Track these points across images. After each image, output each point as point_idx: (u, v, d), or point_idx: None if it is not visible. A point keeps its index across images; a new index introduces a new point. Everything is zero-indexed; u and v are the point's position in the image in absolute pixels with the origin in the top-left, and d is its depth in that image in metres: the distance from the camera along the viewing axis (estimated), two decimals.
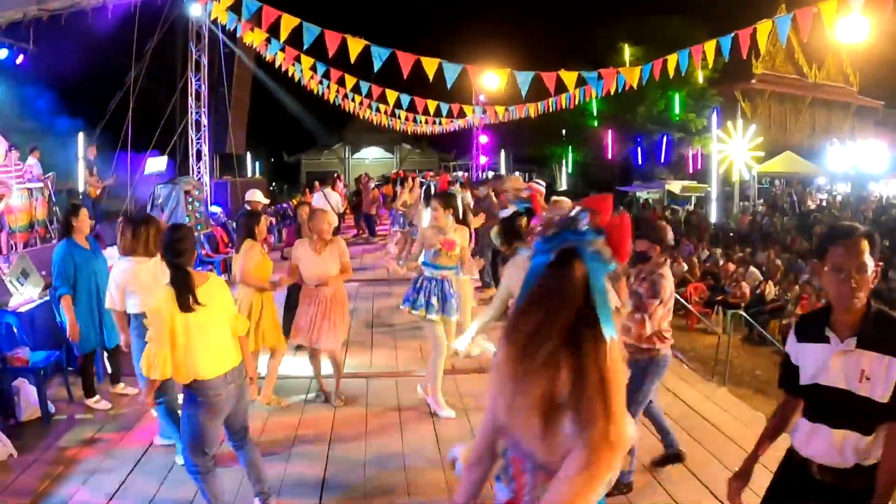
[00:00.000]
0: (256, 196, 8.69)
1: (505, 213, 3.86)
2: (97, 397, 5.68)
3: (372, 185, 17.48)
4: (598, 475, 1.37)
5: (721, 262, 15.83)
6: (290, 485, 4.38)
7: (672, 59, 8.40)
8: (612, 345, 1.41)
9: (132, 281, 4.70)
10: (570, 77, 9.73)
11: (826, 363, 2.44)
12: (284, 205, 22.00)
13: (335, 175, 20.00)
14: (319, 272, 5.47)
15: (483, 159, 33.51)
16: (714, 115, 27.21)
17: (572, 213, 1.44)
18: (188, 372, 3.49)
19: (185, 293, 3.45)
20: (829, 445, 2.44)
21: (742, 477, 2.78)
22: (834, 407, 2.43)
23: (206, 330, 3.52)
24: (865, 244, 2.36)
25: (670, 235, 4.30)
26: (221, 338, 3.61)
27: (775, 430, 2.75)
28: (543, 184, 7.65)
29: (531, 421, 1.50)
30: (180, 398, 3.76)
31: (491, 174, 23.92)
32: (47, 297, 6.37)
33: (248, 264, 5.28)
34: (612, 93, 10.57)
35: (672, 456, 4.60)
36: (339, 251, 5.57)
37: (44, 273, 6.58)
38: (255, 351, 5.15)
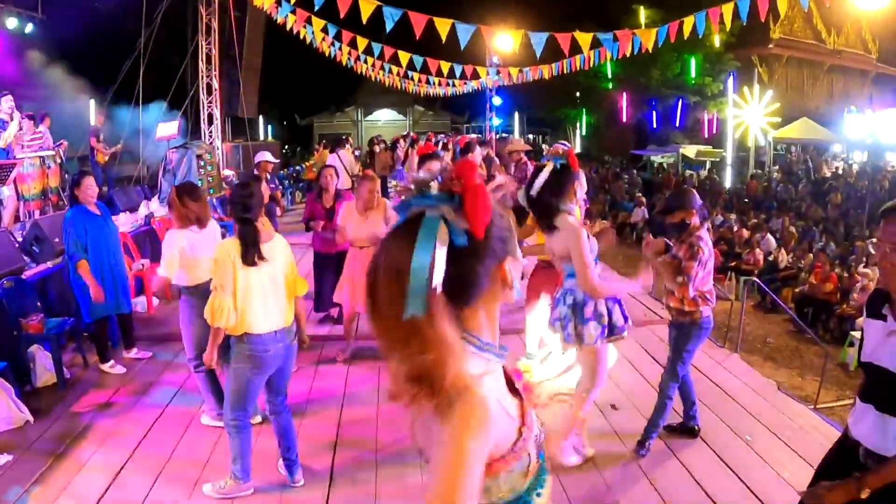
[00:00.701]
0: (266, 157, 8.57)
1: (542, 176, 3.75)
2: (111, 362, 5.74)
3: (378, 149, 17.35)
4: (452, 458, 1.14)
5: (735, 228, 15.72)
6: (303, 444, 4.43)
7: (688, 22, 8.21)
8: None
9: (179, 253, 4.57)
10: (585, 38, 9.57)
11: (881, 341, 2.35)
12: (297, 167, 22.02)
13: (345, 137, 19.88)
14: (364, 234, 5.61)
15: (497, 122, 33.19)
16: (730, 80, 26.75)
17: (425, 176, 1.21)
18: (241, 324, 3.58)
19: (249, 248, 3.53)
20: (874, 428, 2.35)
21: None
22: (883, 388, 2.33)
23: (264, 286, 3.60)
24: None
25: (697, 197, 4.32)
26: (278, 296, 3.67)
27: None
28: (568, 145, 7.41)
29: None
30: None
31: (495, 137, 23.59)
32: (61, 264, 6.42)
33: None
34: (627, 55, 10.38)
35: (687, 429, 4.64)
36: (385, 216, 5.68)
37: (57, 240, 6.61)
38: None
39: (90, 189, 5.57)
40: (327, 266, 6.59)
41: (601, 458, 4.25)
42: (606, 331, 3.79)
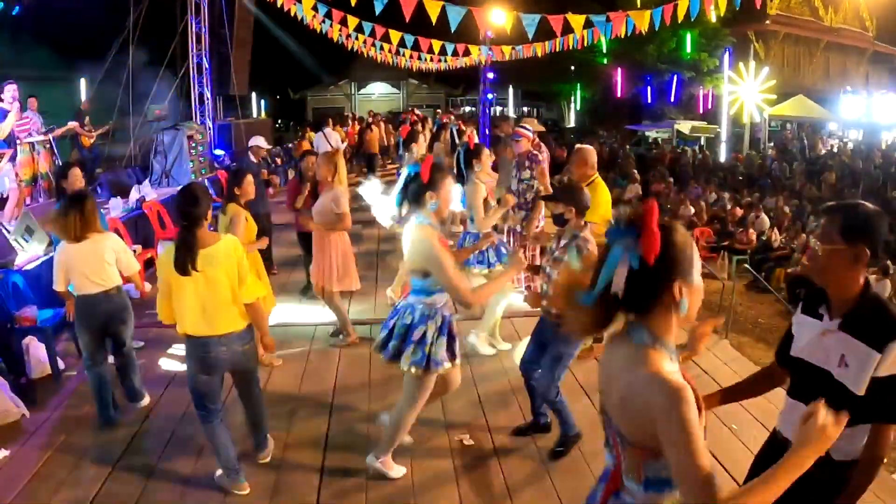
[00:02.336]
0: (258, 142, 8.56)
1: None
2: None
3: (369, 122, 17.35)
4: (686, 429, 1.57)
5: (729, 207, 15.72)
6: (294, 437, 4.51)
7: (683, 5, 8.14)
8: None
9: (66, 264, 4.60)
10: (577, 20, 9.49)
11: (815, 339, 2.38)
12: (290, 145, 21.85)
13: (340, 114, 19.80)
14: (315, 211, 5.81)
15: (491, 96, 32.97)
16: (726, 56, 26.58)
17: (621, 214, 1.76)
18: (181, 325, 3.68)
19: (182, 257, 3.51)
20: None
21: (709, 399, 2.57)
22: (813, 386, 2.33)
23: (200, 291, 3.59)
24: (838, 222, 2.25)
25: (585, 197, 4.07)
26: (218, 301, 3.63)
27: (750, 385, 2.74)
28: (531, 129, 7.22)
29: (612, 399, 1.79)
30: None
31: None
32: (53, 254, 6.40)
33: (238, 233, 5.07)
34: (620, 36, 10.31)
35: (540, 426, 4.59)
36: (332, 198, 5.75)
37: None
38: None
39: (77, 181, 5.55)
40: (307, 245, 6.75)
41: (589, 452, 4.29)
42: (425, 361, 3.61)
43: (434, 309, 3.61)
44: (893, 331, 2.20)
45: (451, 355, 3.69)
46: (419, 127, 13.77)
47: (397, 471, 4.00)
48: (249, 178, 5.40)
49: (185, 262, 3.50)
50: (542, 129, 9.05)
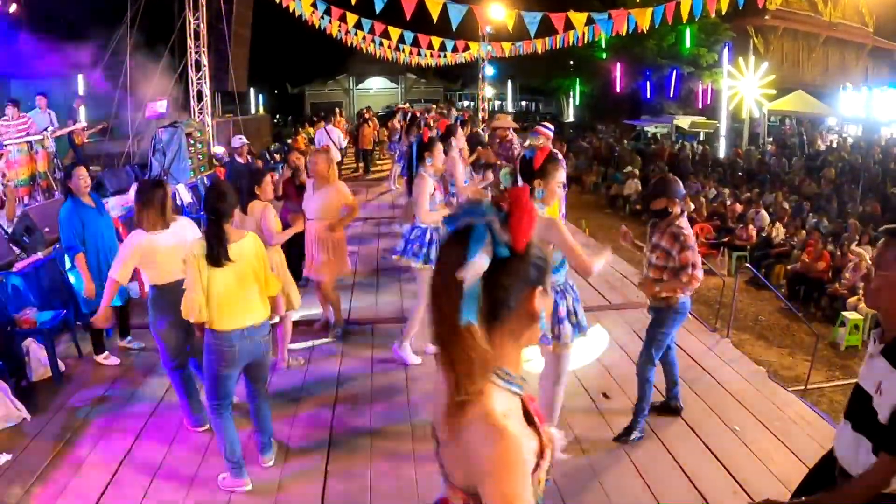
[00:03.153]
0: (237, 143, 8.66)
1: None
2: (106, 353, 5.75)
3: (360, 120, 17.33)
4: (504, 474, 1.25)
5: (728, 203, 15.70)
6: (298, 434, 4.53)
7: (685, 3, 8.12)
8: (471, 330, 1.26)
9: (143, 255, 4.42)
10: (579, 19, 9.46)
11: (866, 361, 2.35)
12: (289, 140, 21.81)
13: (335, 111, 19.76)
14: (312, 207, 5.85)
15: (490, 91, 32.95)
16: (725, 51, 26.54)
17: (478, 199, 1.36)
18: (210, 320, 3.72)
19: (215, 249, 3.61)
20: (847, 446, 2.34)
21: None
22: (857, 408, 2.32)
23: (230, 285, 3.68)
24: None
25: (681, 187, 4.35)
26: (247, 294, 3.76)
27: None
28: (552, 127, 7.34)
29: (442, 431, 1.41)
30: None
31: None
32: (52, 254, 6.39)
33: (272, 226, 5.09)
34: (622, 33, 10.29)
35: (671, 408, 4.74)
36: (335, 192, 5.83)
37: (47, 229, 6.57)
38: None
39: (82, 180, 5.50)
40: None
41: (590, 447, 4.32)
42: (577, 329, 3.88)
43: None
44: None
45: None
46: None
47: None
48: (269, 178, 5.41)
49: (218, 253, 3.61)
50: (515, 125, 9.04)
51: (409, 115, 18.13)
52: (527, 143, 6.89)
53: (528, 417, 1.41)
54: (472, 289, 1.23)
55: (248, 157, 8.94)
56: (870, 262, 2.36)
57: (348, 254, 6.25)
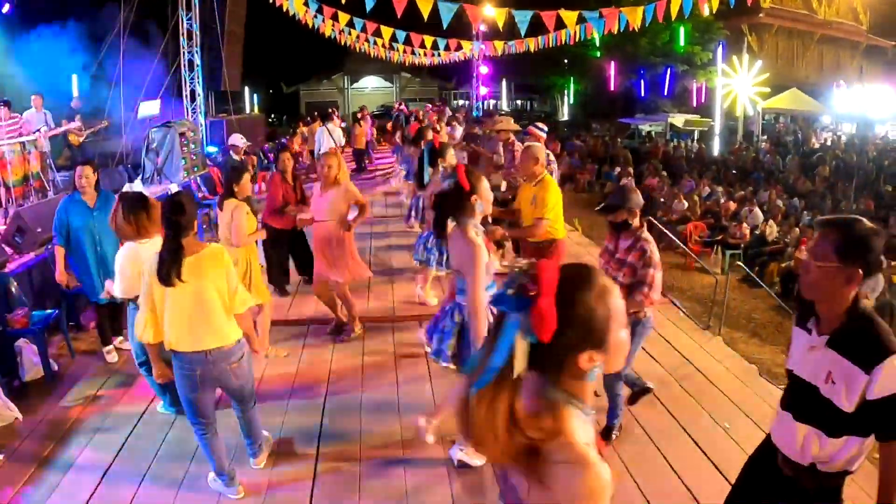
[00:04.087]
0: (235, 140, 8.67)
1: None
2: (110, 347, 5.77)
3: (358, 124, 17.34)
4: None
5: (722, 201, 15.72)
6: (288, 434, 4.52)
7: (676, 2, 8.15)
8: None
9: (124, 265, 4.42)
10: (570, 16, 9.47)
11: (804, 353, 2.39)
12: (283, 140, 21.76)
13: (333, 110, 19.71)
14: (321, 209, 5.77)
15: (484, 90, 32.94)
16: (719, 49, 26.59)
17: (516, 276, 1.41)
18: (167, 340, 3.53)
19: (166, 267, 3.38)
20: (790, 436, 2.41)
21: None
22: (800, 399, 2.38)
23: (186, 304, 3.45)
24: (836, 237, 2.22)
25: (640, 197, 4.16)
26: (206, 314, 3.49)
27: None
28: (545, 128, 7.33)
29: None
30: None
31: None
32: (44, 255, 6.39)
33: (241, 225, 5.20)
34: (613, 32, 10.31)
35: (642, 390, 4.66)
36: (347, 194, 5.76)
37: (40, 230, 6.56)
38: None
39: (81, 178, 5.56)
40: (281, 242, 7.03)
41: None
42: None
43: None
44: (881, 353, 2.17)
45: None
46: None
47: (479, 459, 4.02)
48: (247, 175, 5.45)
49: (169, 271, 3.36)
50: (517, 127, 8.88)
51: (396, 115, 18.20)
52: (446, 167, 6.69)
53: None
54: (492, 368, 1.37)
55: (243, 157, 8.95)
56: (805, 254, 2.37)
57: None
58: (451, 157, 5.77)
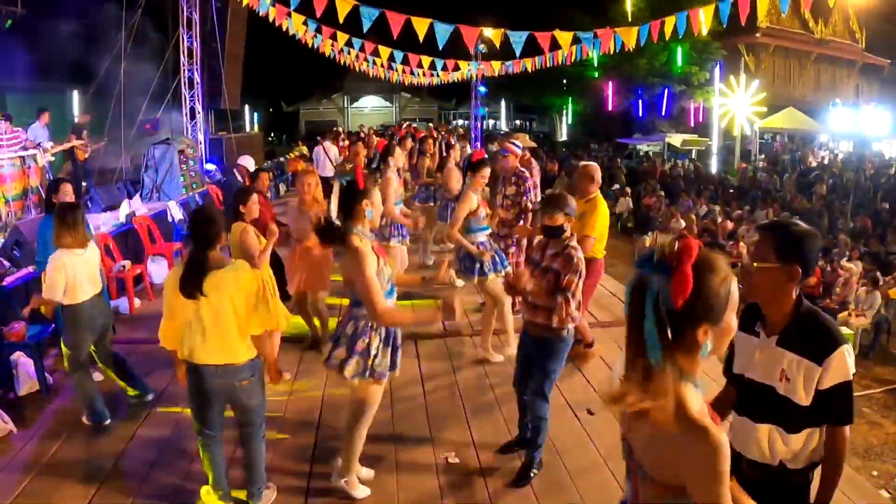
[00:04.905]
0: (246, 161, 8.70)
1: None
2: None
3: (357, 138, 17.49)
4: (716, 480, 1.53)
5: (719, 220, 15.79)
6: (280, 453, 4.49)
7: (669, 23, 8.25)
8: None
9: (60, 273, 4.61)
10: (565, 37, 9.57)
11: (752, 356, 2.47)
12: (282, 159, 21.88)
13: (335, 129, 19.88)
14: (301, 227, 5.88)
15: (483, 110, 33.14)
16: (717, 69, 26.81)
17: (659, 248, 1.64)
18: (182, 350, 3.54)
19: (189, 279, 3.39)
20: (752, 440, 2.46)
21: None
22: (757, 401, 2.45)
23: (202, 317, 3.45)
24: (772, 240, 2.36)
25: (575, 205, 4.11)
26: (221, 330, 3.47)
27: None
28: (521, 145, 7.34)
29: (641, 433, 1.71)
30: None
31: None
32: (42, 269, 6.40)
33: (254, 248, 5.11)
34: (609, 52, 10.41)
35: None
36: (322, 213, 5.79)
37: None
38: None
39: (67, 196, 5.56)
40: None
41: (574, 470, 4.31)
42: (368, 372, 3.66)
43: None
44: (829, 344, 2.31)
45: (393, 367, 3.77)
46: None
47: (361, 491, 3.97)
48: (255, 196, 5.40)
49: (192, 285, 3.37)
50: (534, 145, 8.86)
51: (391, 135, 18.38)
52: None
53: None
54: (652, 338, 1.57)
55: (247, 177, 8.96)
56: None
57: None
58: (399, 155, 5.92)
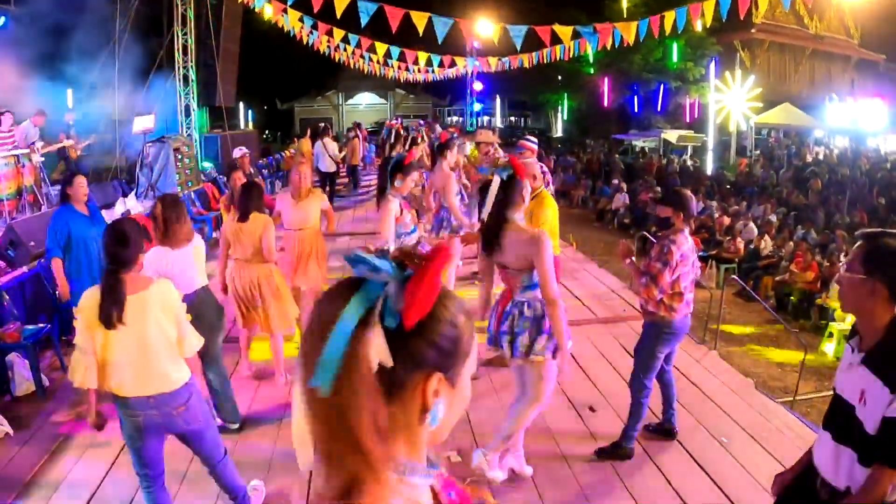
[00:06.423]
0: (235, 153, 8.68)
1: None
2: None
3: (352, 134, 17.42)
4: None
5: (716, 216, 15.79)
6: (278, 457, 4.39)
7: (669, 18, 8.21)
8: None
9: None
10: (564, 31, 9.53)
11: (844, 371, 2.31)
12: (277, 156, 21.79)
13: (326, 126, 19.77)
14: (296, 218, 5.81)
15: (478, 106, 33.11)
16: (712, 65, 26.80)
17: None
18: (107, 383, 3.14)
19: (108, 306, 3.01)
20: (827, 457, 2.31)
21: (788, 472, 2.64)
22: (839, 418, 2.28)
23: (126, 348, 3.08)
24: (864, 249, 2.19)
25: (694, 205, 4.25)
26: (149, 358, 3.13)
27: None
28: (535, 140, 7.26)
29: None
30: None
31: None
32: (37, 268, 6.35)
33: (273, 244, 5.06)
34: (607, 47, 10.36)
35: (665, 431, 4.65)
36: (321, 204, 5.92)
37: (33, 243, 6.53)
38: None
39: (81, 188, 5.53)
40: None
41: (576, 462, 4.29)
42: (554, 348, 3.70)
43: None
44: None
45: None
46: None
47: (498, 474, 3.98)
48: (239, 172, 5.43)
49: (110, 312, 2.99)
50: (498, 140, 8.79)
51: (387, 131, 18.33)
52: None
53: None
54: (335, 350, 0.90)
55: (250, 170, 8.92)
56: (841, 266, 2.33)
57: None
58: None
